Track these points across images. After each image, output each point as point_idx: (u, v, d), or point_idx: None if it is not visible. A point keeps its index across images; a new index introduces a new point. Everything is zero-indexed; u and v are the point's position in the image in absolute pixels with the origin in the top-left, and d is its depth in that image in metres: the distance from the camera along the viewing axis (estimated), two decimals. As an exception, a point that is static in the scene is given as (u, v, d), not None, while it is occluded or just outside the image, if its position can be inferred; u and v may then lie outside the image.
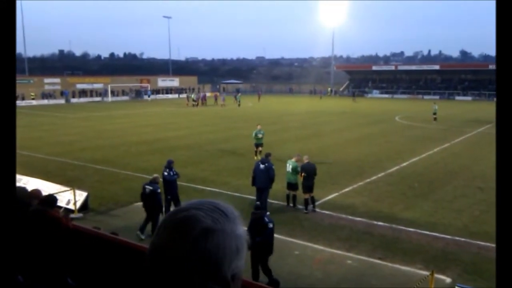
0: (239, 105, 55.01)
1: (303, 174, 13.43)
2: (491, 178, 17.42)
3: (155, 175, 12.09)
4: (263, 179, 13.18)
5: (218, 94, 73.24)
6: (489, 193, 15.30)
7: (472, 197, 14.86)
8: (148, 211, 11.57)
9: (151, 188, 11.53)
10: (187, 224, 1.01)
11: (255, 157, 20.26)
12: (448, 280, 9.09)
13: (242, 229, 1.09)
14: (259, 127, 21.71)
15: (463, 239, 11.22)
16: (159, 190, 11.61)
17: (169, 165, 12.84)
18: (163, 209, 11.95)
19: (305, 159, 13.82)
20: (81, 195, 13.65)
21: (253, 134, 21.43)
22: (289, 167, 13.65)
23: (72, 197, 13.33)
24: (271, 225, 8.98)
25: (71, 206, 13.25)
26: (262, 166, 13.22)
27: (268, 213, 9.61)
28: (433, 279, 7.70)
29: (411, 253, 10.42)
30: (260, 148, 20.99)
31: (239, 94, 64.52)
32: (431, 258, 10.15)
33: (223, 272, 1.01)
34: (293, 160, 13.82)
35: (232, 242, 1.04)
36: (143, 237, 11.25)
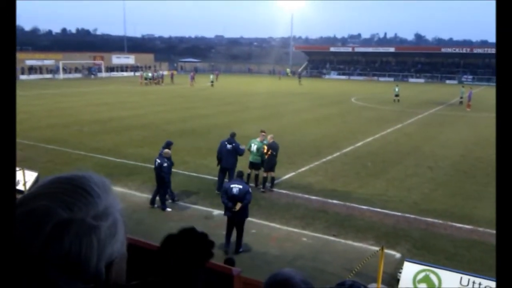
0: (212, 84, 54.07)
1: (270, 152, 13.47)
2: (441, 158, 18.17)
3: (166, 149, 12.28)
4: (230, 159, 13.11)
5: (175, 72, 71.98)
6: (438, 172, 15.97)
7: (422, 176, 15.45)
8: (158, 183, 12.04)
9: (159, 161, 11.91)
10: (35, 219, 0.84)
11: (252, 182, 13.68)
12: (397, 255, 9.48)
13: (115, 204, 0.94)
14: (262, 137, 13.95)
15: (412, 216, 11.68)
16: (165, 164, 11.81)
17: (168, 146, 12.73)
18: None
19: (270, 138, 13.86)
20: (31, 176, 13.17)
21: (249, 146, 13.79)
22: (253, 147, 13.55)
23: (22, 178, 12.84)
24: (235, 190, 9.46)
25: (20, 187, 12.76)
26: (229, 146, 13.10)
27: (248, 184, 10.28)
28: (383, 254, 7.99)
29: (363, 230, 10.76)
30: (272, 174, 13.61)
31: (213, 73, 63.61)
32: (382, 234, 10.52)
33: (91, 266, 0.86)
34: (258, 140, 13.78)
35: (101, 227, 0.88)
36: (155, 206, 12.17)
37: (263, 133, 14.01)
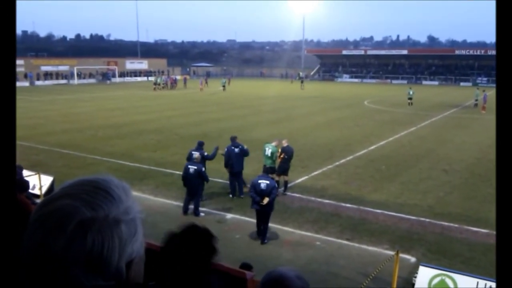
0: (224, 89, 53.95)
1: (282, 155, 13.44)
2: (456, 161, 17.96)
3: (197, 155, 12.31)
4: (239, 162, 13.21)
5: (187, 77, 72.36)
6: (453, 175, 15.78)
7: (437, 179, 15.28)
8: (192, 190, 11.75)
9: (195, 167, 11.72)
10: (59, 218, 0.86)
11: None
12: (412, 259, 9.37)
13: (134, 205, 0.97)
14: (277, 141, 13.91)
15: (427, 220, 11.55)
16: (204, 169, 11.84)
17: (200, 146, 12.98)
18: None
19: (285, 142, 13.86)
20: (47, 180, 13.33)
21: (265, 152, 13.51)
22: (268, 151, 13.47)
23: (37, 182, 12.99)
24: (263, 185, 10.00)
25: (36, 191, 12.91)
26: (236, 150, 13.17)
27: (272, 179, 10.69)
28: (398, 259, 7.91)
29: (377, 234, 10.67)
30: (285, 178, 13.61)
31: (225, 77, 64.07)
32: (396, 238, 10.41)
33: (113, 264, 0.89)
34: (273, 144, 13.75)
35: (122, 227, 0.91)
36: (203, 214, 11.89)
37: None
